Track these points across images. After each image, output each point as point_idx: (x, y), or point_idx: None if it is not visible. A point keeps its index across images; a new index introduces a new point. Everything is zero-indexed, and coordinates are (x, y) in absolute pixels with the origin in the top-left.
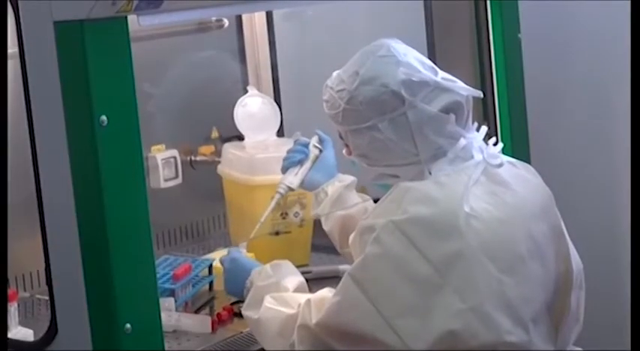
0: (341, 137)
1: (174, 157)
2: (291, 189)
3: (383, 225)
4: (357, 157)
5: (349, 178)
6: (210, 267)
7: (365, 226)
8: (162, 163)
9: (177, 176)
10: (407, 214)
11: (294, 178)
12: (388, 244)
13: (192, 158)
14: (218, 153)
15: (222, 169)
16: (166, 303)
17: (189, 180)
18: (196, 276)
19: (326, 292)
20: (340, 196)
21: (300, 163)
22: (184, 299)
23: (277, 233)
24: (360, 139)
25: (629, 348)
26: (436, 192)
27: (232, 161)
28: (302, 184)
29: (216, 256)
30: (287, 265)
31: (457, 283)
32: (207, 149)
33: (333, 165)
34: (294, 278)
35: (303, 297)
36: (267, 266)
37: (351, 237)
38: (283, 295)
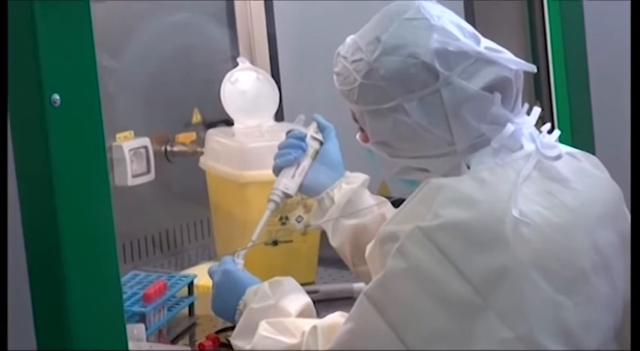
0: (355, 119)
1: (146, 147)
2: (287, 195)
3: (408, 233)
4: (375, 145)
5: (360, 178)
6: (191, 285)
7: (386, 234)
8: (131, 154)
9: (148, 171)
10: (439, 219)
11: (290, 181)
12: (415, 257)
13: (168, 148)
14: (200, 142)
15: (205, 161)
16: (135, 330)
17: (164, 176)
18: (173, 297)
19: (337, 318)
20: (350, 202)
21: (297, 161)
22: (158, 326)
23: (275, 243)
24: (380, 123)
25: (629, 348)
26: (476, 191)
27: (219, 152)
28: (301, 188)
29: (199, 272)
30: (289, 283)
31: (502, 306)
32: (186, 137)
33: (339, 161)
34: (297, 299)
35: (309, 323)
36: (265, 284)
37: (368, 248)
38: (283, 321)
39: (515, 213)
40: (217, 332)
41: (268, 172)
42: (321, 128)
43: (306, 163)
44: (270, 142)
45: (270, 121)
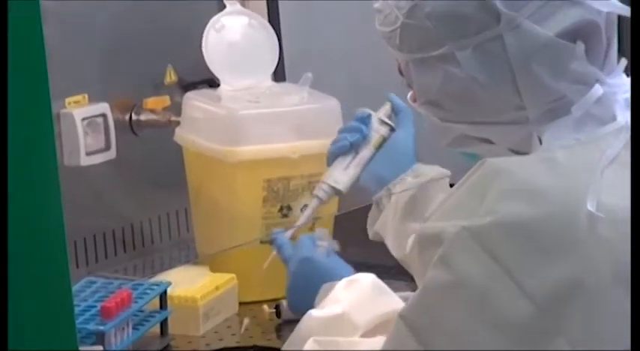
0: (401, 72)
1: (104, 116)
2: (337, 192)
3: (454, 235)
4: (423, 106)
5: (434, 171)
6: (164, 296)
7: (426, 236)
8: (84, 124)
9: (108, 147)
10: (493, 216)
11: (342, 173)
12: (462, 268)
13: (134, 117)
14: (176, 108)
15: (182, 134)
16: None
17: (128, 153)
18: (140, 311)
19: (381, 342)
20: (414, 201)
21: (355, 148)
22: (120, 349)
23: (271, 242)
24: (427, 77)
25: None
26: (545, 178)
27: (200, 122)
28: (356, 183)
29: (174, 278)
30: (371, 283)
31: (575, 331)
32: (157, 102)
33: (410, 153)
34: (375, 307)
35: (370, 345)
36: (342, 283)
37: (409, 243)
38: (338, 342)
39: (590, 207)
40: None
41: (265, 149)
42: (395, 111)
43: (366, 152)
44: (267, 109)
45: (267, 81)
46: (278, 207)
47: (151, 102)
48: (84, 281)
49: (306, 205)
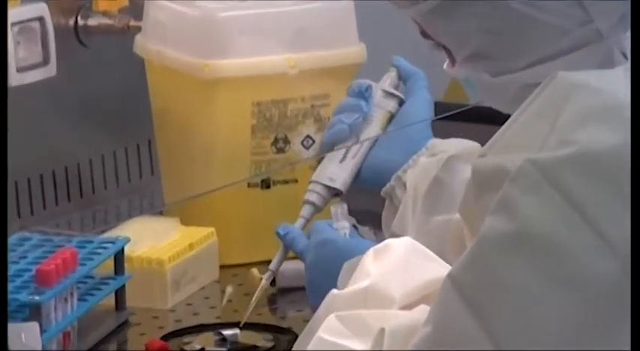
0: (425, 35)
1: (41, 19)
2: (333, 191)
3: (517, 171)
4: (465, 65)
5: (456, 145)
6: (120, 257)
7: (482, 174)
8: (15, 31)
9: (46, 62)
10: (570, 146)
11: (338, 167)
12: (528, 212)
13: (80, 22)
14: (136, 10)
15: (145, 44)
16: (23, 334)
17: (73, 69)
18: (89, 277)
19: (421, 314)
20: (439, 187)
21: (356, 134)
22: (63, 326)
23: (267, 184)
24: (460, 18)
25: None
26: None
27: (167, 27)
28: (358, 177)
29: (134, 233)
30: (406, 247)
31: None
32: (111, 2)
33: (425, 127)
34: (414, 275)
35: (402, 318)
36: (370, 253)
37: (463, 196)
38: (362, 315)
39: None
40: (167, 336)
41: (254, 63)
42: (402, 77)
43: (370, 135)
44: (255, 10)
45: None
46: (271, 139)
47: (103, 2)
48: (14, 238)
49: (308, 136)
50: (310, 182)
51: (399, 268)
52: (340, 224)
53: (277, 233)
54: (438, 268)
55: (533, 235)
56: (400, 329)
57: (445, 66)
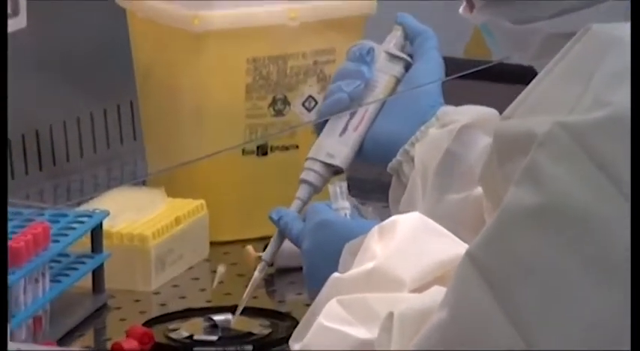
0: None
1: None
2: (333, 168)
3: (545, 136)
4: (484, 9)
5: (474, 113)
6: (98, 232)
7: (508, 136)
8: None
9: (15, 12)
10: (605, 108)
11: (338, 141)
12: (558, 182)
13: None
14: None
15: None
16: None
17: (44, 21)
18: (63, 255)
19: (436, 296)
20: (451, 161)
21: (354, 101)
22: (33, 311)
23: (264, 151)
24: None
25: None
26: None
27: None
28: (360, 152)
29: (113, 206)
30: (415, 223)
31: None
32: None
33: (435, 93)
34: (425, 253)
35: (411, 301)
36: (374, 231)
37: (484, 162)
38: (367, 299)
39: None
40: (151, 322)
41: (249, 13)
42: (409, 37)
43: (372, 104)
44: None
45: None
46: (269, 99)
47: None
48: None
49: (310, 97)
50: (306, 159)
51: (407, 246)
52: (340, 204)
53: (270, 218)
54: (453, 246)
55: (563, 208)
56: (411, 314)
57: (461, 10)
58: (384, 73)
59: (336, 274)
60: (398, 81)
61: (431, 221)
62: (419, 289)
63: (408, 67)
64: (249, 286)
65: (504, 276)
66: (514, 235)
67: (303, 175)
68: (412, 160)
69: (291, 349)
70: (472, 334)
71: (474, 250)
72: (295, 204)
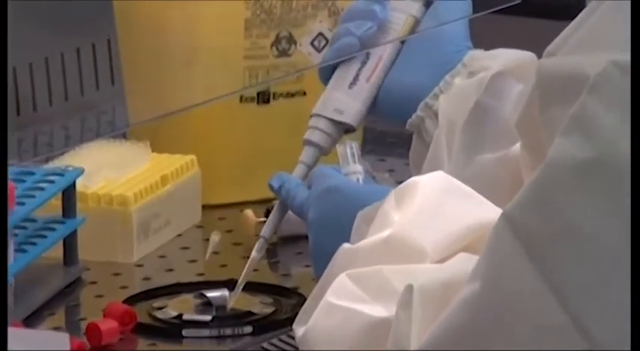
0: None
1: None
2: (343, 126)
3: (597, 77)
4: None
5: (509, 57)
6: (71, 193)
7: (553, 76)
8: None
9: None
10: None
11: (346, 94)
12: (613, 134)
13: None
14: None
15: None
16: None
17: None
18: (29, 221)
19: (461, 264)
20: (482, 116)
21: (367, 46)
22: None
23: (266, 98)
24: None
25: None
26: None
27: None
28: (374, 106)
29: (88, 162)
30: (439, 183)
31: None
32: None
33: (461, 35)
34: (451, 218)
35: (440, 272)
36: (391, 196)
37: (521, 107)
38: (382, 271)
39: None
40: (132, 299)
41: None
42: None
43: (385, 50)
44: None
45: None
46: (271, 38)
47: None
48: None
49: (320, 34)
50: (311, 116)
51: (429, 210)
52: (351, 168)
53: (270, 186)
54: (484, 210)
55: (617, 163)
56: (434, 286)
57: None
58: (400, 13)
59: (346, 245)
60: (417, 21)
61: (457, 181)
62: (443, 261)
63: (428, 4)
64: (246, 267)
65: (547, 241)
66: (559, 194)
67: (308, 135)
68: (435, 115)
69: (295, 333)
70: (509, 308)
71: (511, 211)
72: (299, 169)
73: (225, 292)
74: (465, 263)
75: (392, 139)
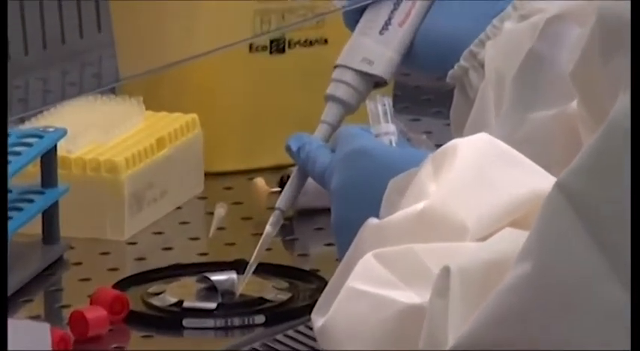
0: None
1: None
2: (370, 78)
3: None
4: None
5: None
6: (50, 157)
7: (617, 19)
8: None
9: None
10: None
11: (377, 42)
12: None
13: None
14: None
15: None
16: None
17: None
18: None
19: (506, 241)
20: (538, 65)
21: None
22: None
23: (280, 47)
24: None
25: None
26: None
27: None
28: (411, 55)
29: (70, 122)
30: (493, 149)
31: None
32: None
33: None
34: (504, 191)
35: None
36: (428, 161)
37: (584, 42)
38: (414, 250)
39: None
40: (124, 283)
41: None
42: None
43: None
44: None
45: None
46: None
47: None
48: None
49: None
50: (335, 68)
51: (472, 180)
52: (382, 128)
53: (287, 148)
54: (535, 178)
55: None
56: (475, 267)
57: None
58: None
59: (373, 220)
60: None
61: (505, 145)
62: (486, 238)
63: None
64: (258, 245)
65: (608, 214)
66: (622, 160)
67: (331, 90)
68: (481, 65)
69: (314, 324)
70: (566, 293)
71: (567, 179)
72: (321, 129)
73: (232, 276)
74: (512, 240)
75: (428, 95)
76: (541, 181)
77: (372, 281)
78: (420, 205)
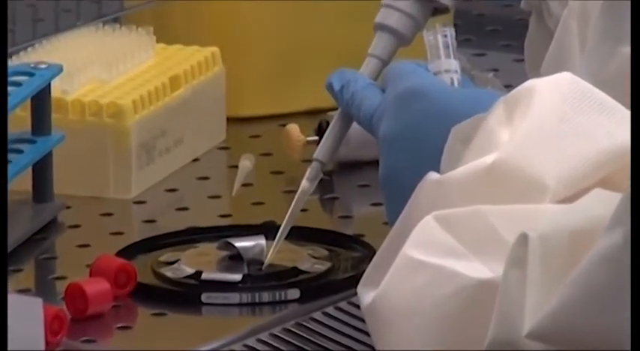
0: None
1: None
2: (430, 5)
3: None
4: None
5: None
6: (43, 98)
7: None
8: None
9: None
10: None
11: None
12: None
13: None
14: None
15: None
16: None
17: None
18: None
19: (594, 205)
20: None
21: None
22: None
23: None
24: None
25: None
26: None
27: None
28: None
29: (66, 57)
30: (577, 92)
31: None
32: None
33: None
34: (591, 140)
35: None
36: (500, 103)
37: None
38: (487, 215)
39: None
40: (130, 250)
41: None
42: None
43: None
44: None
45: None
46: None
47: None
48: None
49: None
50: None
51: (552, 129)
52: (442, 64)
53: (328, 87)
54: (627, 128)
55: None
56: (558, 235)
57: None
58: None
59: (432, 174)
60: None
61: (592, 87)
62: (571, 200)
63: None
64: (293, 204)
65: None
66: None
67: (381, 18)
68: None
69: (361, 300)
70: None
71: None
72: (369, 64)
73: (260, 241)
74: (601, 203)
75: (494, 25)
76: None
77: (432, 249)
78: (489, 158)
